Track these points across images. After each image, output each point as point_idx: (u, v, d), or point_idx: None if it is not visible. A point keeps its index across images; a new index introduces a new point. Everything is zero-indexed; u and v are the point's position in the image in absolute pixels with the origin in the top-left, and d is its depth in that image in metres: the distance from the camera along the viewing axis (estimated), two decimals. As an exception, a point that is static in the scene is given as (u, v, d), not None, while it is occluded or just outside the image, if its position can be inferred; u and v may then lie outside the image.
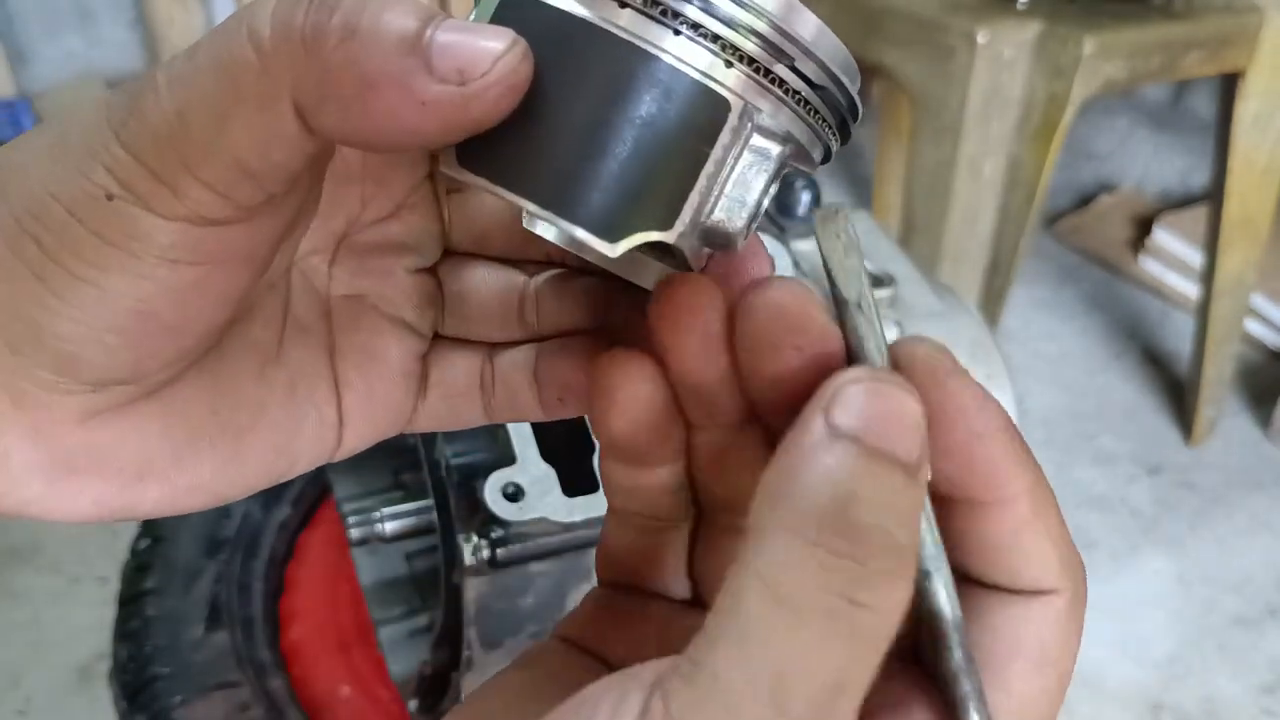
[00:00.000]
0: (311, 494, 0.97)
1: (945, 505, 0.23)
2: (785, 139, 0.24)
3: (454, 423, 0.31)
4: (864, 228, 0.91)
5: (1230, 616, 1.46)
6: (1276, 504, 1.64)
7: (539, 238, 0.29)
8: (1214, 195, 1.54)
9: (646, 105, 0.22)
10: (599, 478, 0.64)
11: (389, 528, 0.77)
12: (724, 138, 0.23)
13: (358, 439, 0.29)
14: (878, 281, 0.82)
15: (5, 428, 0.23)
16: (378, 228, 0.29)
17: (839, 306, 0.23)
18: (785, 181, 0.83)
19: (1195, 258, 1.90)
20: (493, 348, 0.31)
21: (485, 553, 0.62)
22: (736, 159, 0.23)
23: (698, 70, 0.22)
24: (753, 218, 0.25)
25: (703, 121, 0.22)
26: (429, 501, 0.71)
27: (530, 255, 0.31)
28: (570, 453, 0.65)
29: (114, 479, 0.25)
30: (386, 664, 0.83)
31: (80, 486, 0.24)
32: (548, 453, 0.65)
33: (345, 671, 0.85)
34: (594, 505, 0.63)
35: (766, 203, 0.25)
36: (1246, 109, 1.42)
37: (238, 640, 0.84)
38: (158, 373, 0.24)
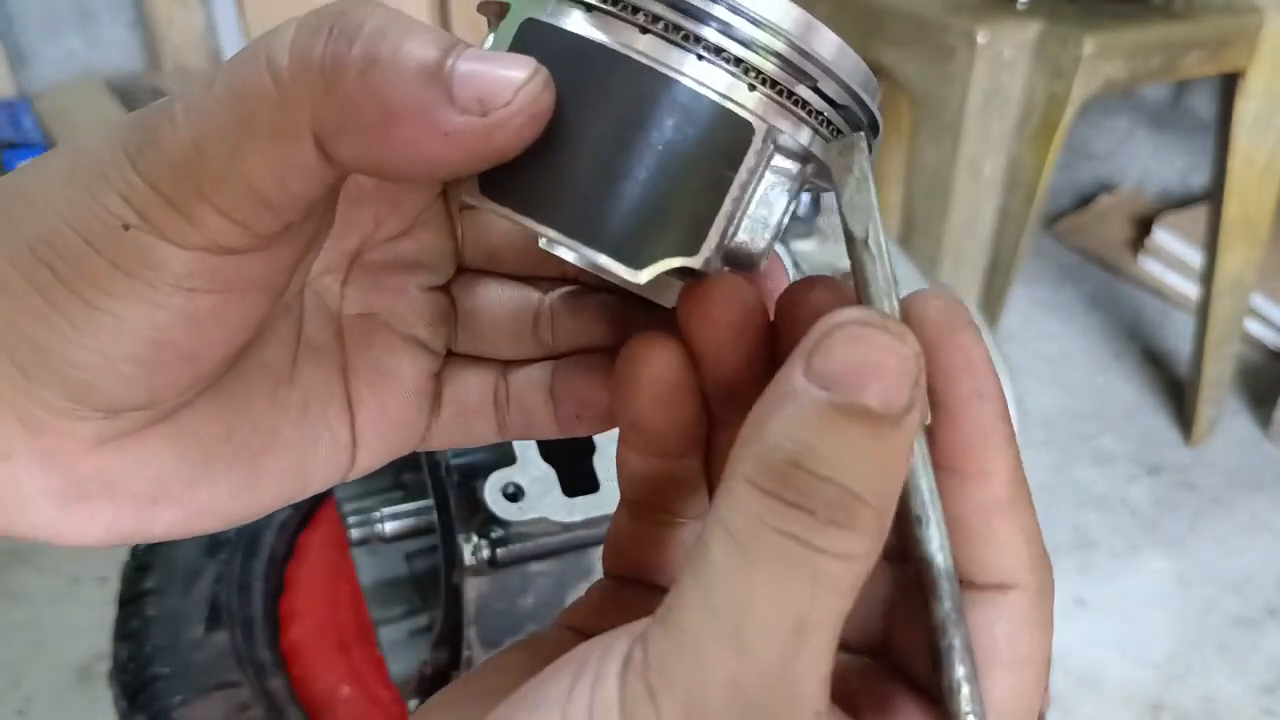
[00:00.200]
0: (311, 494, 0.97)
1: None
2: (807, 158, 0.24)
3: (467, 439, 0.31)
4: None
5: (1230, 616, 1.46)
6: (1276, 504, 1.64)
7: (553, 255, 0.29)
8: (1214, 195, 1.54)
9: (669, 130, 0.22)
10: (596, 476, 0.64)
11: (389, 528, 0.77)
12: (749, 161, 0.23)
13: (371, 458, 0.29)
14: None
15: (17, 453, 0.23)
16: (390, 246, 0.29)
17: (848, 244, 0.23)
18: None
19: (1195, 258, 1.90)
20: (506, 365, 0.30)
21: (485, 553, 0.62)
22: (759, 180, 0.23)
23: (720, 94, 0.22)
24: (775, 237, 0.24)
25: (726, 145, 0.22)
26: (429, 501, 0.71)
27: (544, 272, 0.30)
28: (570, 453, 0.65)
29: (127, 504, 0.25)
30: (386, 664, 0.83)
31: (93, 512, 0.24)
32: (548, 453, 0.65)
33: (345, 671, 0.85)
34: (594, 505, 0.63)
35: (787, 220, 0.25)
36: (1246, 109, 1.42)
37: (238, 640, 0.84)
38: (173, 399, 0.24)
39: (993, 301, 1.41)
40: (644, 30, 0.22)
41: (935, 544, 0.22)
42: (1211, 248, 1.57)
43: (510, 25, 0.23)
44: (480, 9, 0.25)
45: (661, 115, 0.22)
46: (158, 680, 0.80)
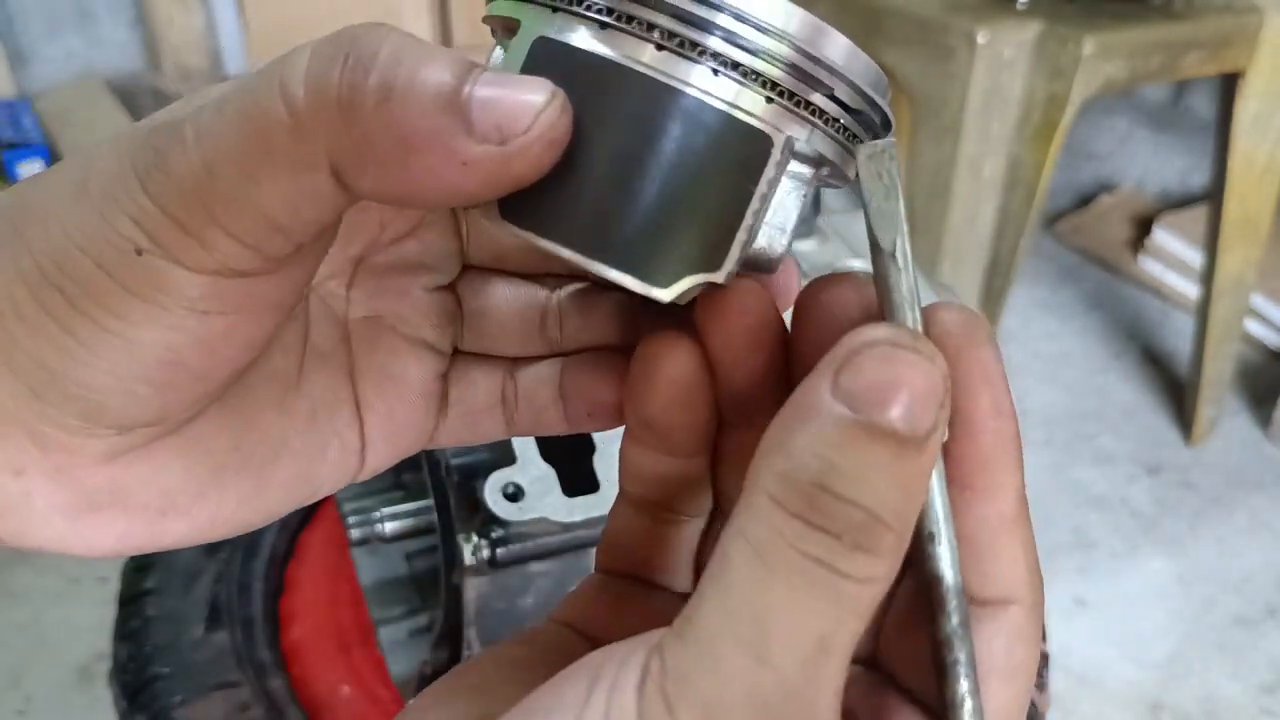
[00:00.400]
0: (311, 494, 0.97)
1: None
2: (820, 162, 0.24)
3: (475, 437, 0.30)
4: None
5: (1230, 616, 1.46)
6: (1276, 504, 1.64)
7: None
8: (1214, 195, 1.54)
9: (687, 147, 0.22)
10: (596, 476, 0.64)
11: (389, 528, 0.77)
12: (768, 172, 0.22)
13: (379, 460, 0.29)
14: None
15: (28, 470, 0.23)
16: (394, 248, 0.29)
17: (873, 254, 0.23)
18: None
19: (1195, 258, 1.90)
20: (513, 362, 0.30)
21: (485, 553, 0.62)
22: (777, 188, 0.23)
23: (736, 107, 0.22)
24: (791, 240, 0.24)
25: (745, 159, 0.22)
26: (429, 501, 0.71)
27: (551, 269, 0.30)
28: (570, 453, 0.65)
29: (137, 516, 0.25)
30: (386, 664, 0.83)
31: (104, 524, 0.24)
32: (548, 453, 0.65)
33: (345, 671, 0.85)
34: (594, 505, 0.63)
35: (800, 223, 0.25)
36: (1246, 109, 1.42)
37: (238, 640, 0.84)
38: (183, 414, 0.24)
39: (993, 301, 1.41)
40: (659, 46, 0.21)
41: (946, 561, 0.22)
42: (1211, 248, 1.57)
43: (522, 44, 0.22)
44: (487, 21, 0.24)
45: (679, 132, 0.22)
46: (158, 680, 0.80)
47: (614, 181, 0.22)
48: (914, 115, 1.34)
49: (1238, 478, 1.69)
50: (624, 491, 0.29)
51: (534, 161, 0.20)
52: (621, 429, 0.28)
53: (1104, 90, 1.26)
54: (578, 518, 0.62)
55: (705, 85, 0.21)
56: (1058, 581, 1.47)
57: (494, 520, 0.62)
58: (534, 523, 0.62)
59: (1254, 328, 1.95)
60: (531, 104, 0.20)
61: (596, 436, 0.64)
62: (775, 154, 0.22)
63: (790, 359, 0.26)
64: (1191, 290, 1.93)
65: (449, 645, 0.70)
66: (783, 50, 0.22)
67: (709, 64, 0.21)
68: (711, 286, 0.24)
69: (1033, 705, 0.80)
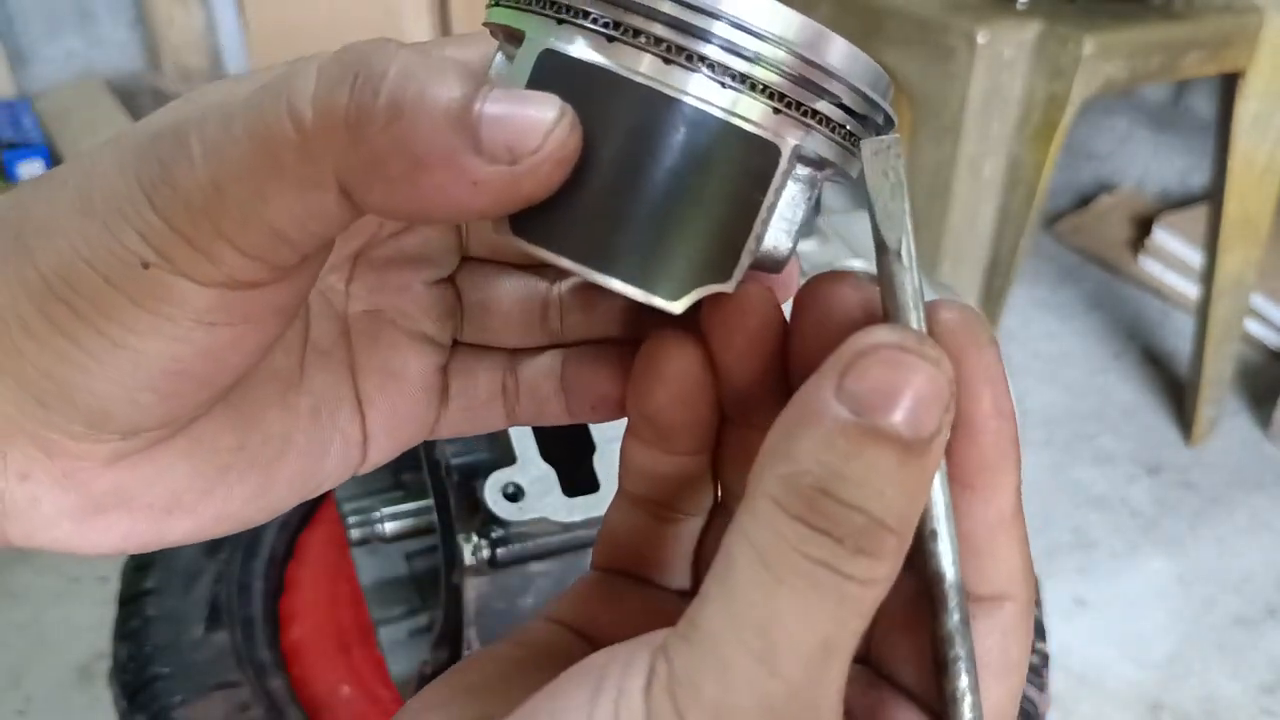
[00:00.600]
0: (311, 494, 0.97)
1: None
2: (824, 164, 0.24)
3: (476, 428, 0.31)
4: (867, 225, 0.91)
5: (1230, 616, 1.46)
6: (1276, 504, 1.64)
7: None
8: (1214, 195, 1.54)
9: (696, 159, 0.22)
10: (596, 476, 0.64)
11: (389, 528, 0.77)
12: (776, 181, 0.22)
13: (381, 454, 0.29)
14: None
15: (36, 475, 0.23)
16: (393, 242, 0.29)
17: (878, 252, 0.23)
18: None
19: (1195, 258, 1.90)
20: (514, 354, 0.30)
21: (485, 553, 0.62)
22: (781, 193, 0.23)
23: (746, 119, 0.22)
24: (797, 240, 0.25)
25: (754, 169, 0.22)
26: (429, 501, 0.71)
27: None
28: (570, 453, 0.65)
29: (143, 515, 0.25)
30: (386, 664, 0.83)
31: (109, 524, 0.24)
32: (548, 453, 0.64)
33: (345, 671, 0.85)
34: (594, 505, 0.63)
35: (804, 221, 0.25)
36: (1246, 109, 1.42)
37: (238, 640, 0.84)
38: (187, 418, 0.24)
39: (993, 301, 1.41)
40: (666, 60, 0.21)
41: (948, 559, 0.22)
42: (1211, 248, 1.57)
43: (527, 56, 0.22)
44: (487, 26, 0.24)
45: (687, 144, 0.21)
46: (158, 680, 0.80)
47: (623, 195, 0.22)
48: (914, 115, 1.34)
49: (1238, 478, 1.69)
50: (623, 489, 0.29)
51: (544, 180, 0.20)
52: (622, 428, 0.28)
53: (1104, 90, 1.26)
54: (578, 518, 0.62)
55: (711, 96, 0.21)
56: (1058, 581, 1.47)
57: (494, 520, 0.62)
58: (534, 523, 0.62)
59: (1254, 328, 1.95)
60: (542, 122, 0.20)
61: (596, 436, 0.64)
62: (782, 163, 0.22)
63: (789, 357, 0.26)
64: (1191, 290, 1.93)
65: (449, 645, 0.70)
66: (785, 58, 0.22)
67: (713, 74, 0.21)
68: (720, 294, 0.24)
69: (1033, 705, 0.80)
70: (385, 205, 0.20)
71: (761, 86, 0.22)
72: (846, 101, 0.23)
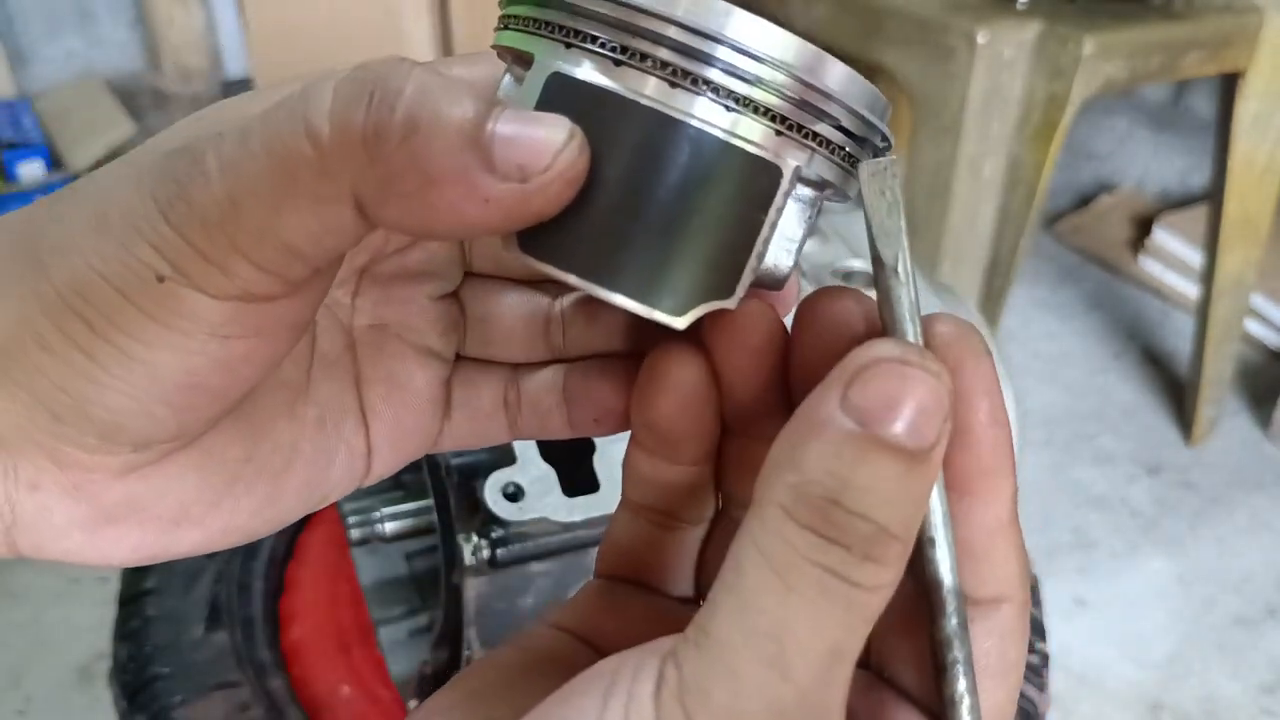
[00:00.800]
0: (311, 494, 0.97)
1: None
2: (824, 185, 0.25)
3: (479, 441, 0.31)
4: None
5: (1230, 616, 1.46)
6: (1276, 504, 1.64)
7: None
8: (1214, 195, 1.54)
9: (701, 180, 0.22)
10: (596, 476, 0.64)
11: (389, 528, 0.77)
12: (777, 201, 0.23)
13: (385, 466, 0.30)
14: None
15: (46, 486, 0.23)
16: (398, 257, 0.29)
17: (875, 268, 0.23)
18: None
19: (1195, 258, 1.90)
20: (516, 368, 0.31)
21: (485, 553, 0.62)
22: (782, 212, 0.24)
23: (748, 141, 0.22)
24: (797, 258, 0.25)
25: (756, 189, 0.23)
26: (429, 501, 0.71)
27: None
28: (570, 453, 0.65)
29: (152, 527, 0.25)
30: (386, 664, 0.83)
31: (119, 535, 0.25)
32: (548, 453, 0.65)
33: (345, 671, 0.85)
34: (594, 505, 0.63)
35: (805, 239, 0.26)
36: (1246, 109, 1.42)
37: (238, 640, 0.84)
38: (199, 431, 0.24)
39: (993, 301, 1.41)
40: (673, 85, 0.22)
41: (946, 565, 0.23)
42: (1211, 248, 1.57)
43: (537, 78, 0.23)
44: (496, 48, 0.25)
45: (691, 165, 0.22)
46: (158, 680, 0.80)
47: (628, 214, 0.22)
48: (914, 115, 1.34)
49: (1238, 478, 1.69)
50: (627, 498, 0.29)
51: (553, 198, 0.21)
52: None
53: (1104, 90, 1.26)
54: (578, 518, 0.62)
55: (714, 118, 0.22)
56: (1058, 581, 1.47)
57: (494, 520, 0.62)
58: (534, 523, 0.62)
59: (1254, 328, 1.95)
60: (552, 143, 0.20)
61: (597, 437, 0.64)
62: (784, 183, 0.23)
63: (791, 369, 0.26)
64: (1191, 290, 1.94)
65: (449, 645, 0.70)
66: (787, 81, 0.22)
67: (716, 98, 0.22)
68: (723, 310, 0.24)
69: (1033, 705, 0.80)
70: (400, 221, 0.21)
71: (764, 109, 0.22)
72: (845, 123, 0.24)
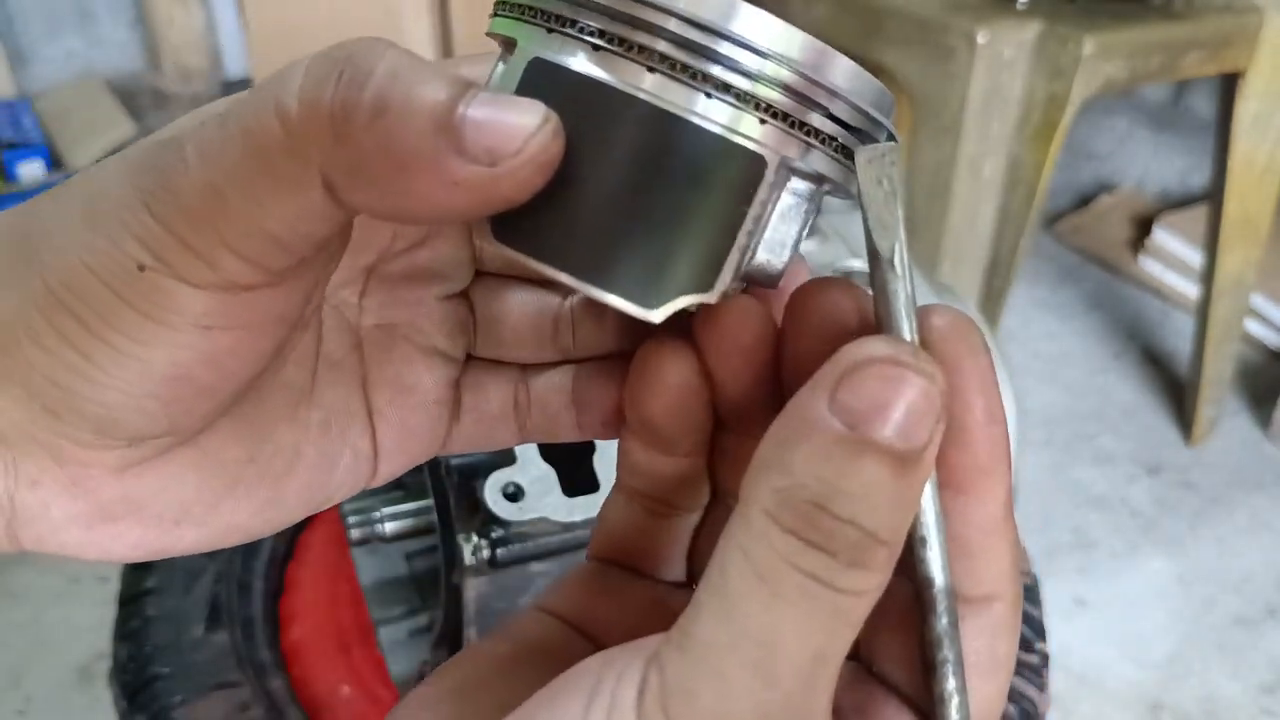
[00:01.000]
0: (311, 494, 0.97)
1: None
2: (821, 179, 0.24)
3: (488, 444, 0.31)
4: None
5: (1230, 616, 1.46)
6: (1276, 504, 1.64)
7: None
8: (1214, 195, 1.54)
9: (679, 169, 0.22)
10: (596, 476, 0.64)
11: (389, 528, 0.77)
12: (761, 194, 0.22)
13: (392, 468, 0.29)
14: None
15: (45, 482, 0.23)
16: (406, 256, 0.29)
17: (871, 261, 0.22)
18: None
19: (1195, 258, 1.90)
20: (525, 369, 0.30)
21: (485, 553, 0.62)
22: (774, 207, 0.23)
23: (728, 129, 0.22)
24: (794, 254, 0.24)
25: (738, 180, 0.22)
26: (429, 501, 0.71)
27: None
28: (570, 453, 0.65)
29: (152, 525, 0.25)
30: (386, 664, 0.83)
31: (118, 532, 0.25)
32: (548, 453, 0.65)
33: (345, 671, 0.85)
34: (594, 505, 0.63)
35: (805, 235, 0.25)
36: (1246, 109, 1.42)
37: (238, 640, 0.84)
38: (193, 426, 0.24)
39: (993, 301, 1.41)
40: (650, 69, 0.21)
41: (937, 564, 0.22)
42: (1211, 248, 1.57)
43: (518, 64, 0.22)
44: (490, 36, 0.24)
45: (670, 154, 0.22)
46: (158, 680, 0.80)
47: (603, 204, 0.22)
48: (914, 115, 1.34)
49: (1238, 478, 1.69)
50: (621, 483, 0.29)
51: (523, 183, 0.20)
52: None
53: (1104, 90, 1.26)
54: (578, 518, 0.62)
55: (697, 108, 0.21)
56: (1058, 581, 1.47)
57: (494, 520, 0.62)
58: (534, 523, 0.62)
59: (1254, 328, 1.95)
60: (524, 127, 0.20)
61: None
62: (769, 175, 0.22)
63: (783, 362, 0.26)
64: (1191, 290, 1.93)
65: (449, 645, 0.70)
66: (775, 71, 0.22)
67: (696, 83, 0.21)
68: (704, 305, 0.24)
69: (1033, 705, 0.80)
70: (368, 203, 0.20)
71: (748, 97, 0.22)
72: (841, 115, 0.23)
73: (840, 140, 0.23)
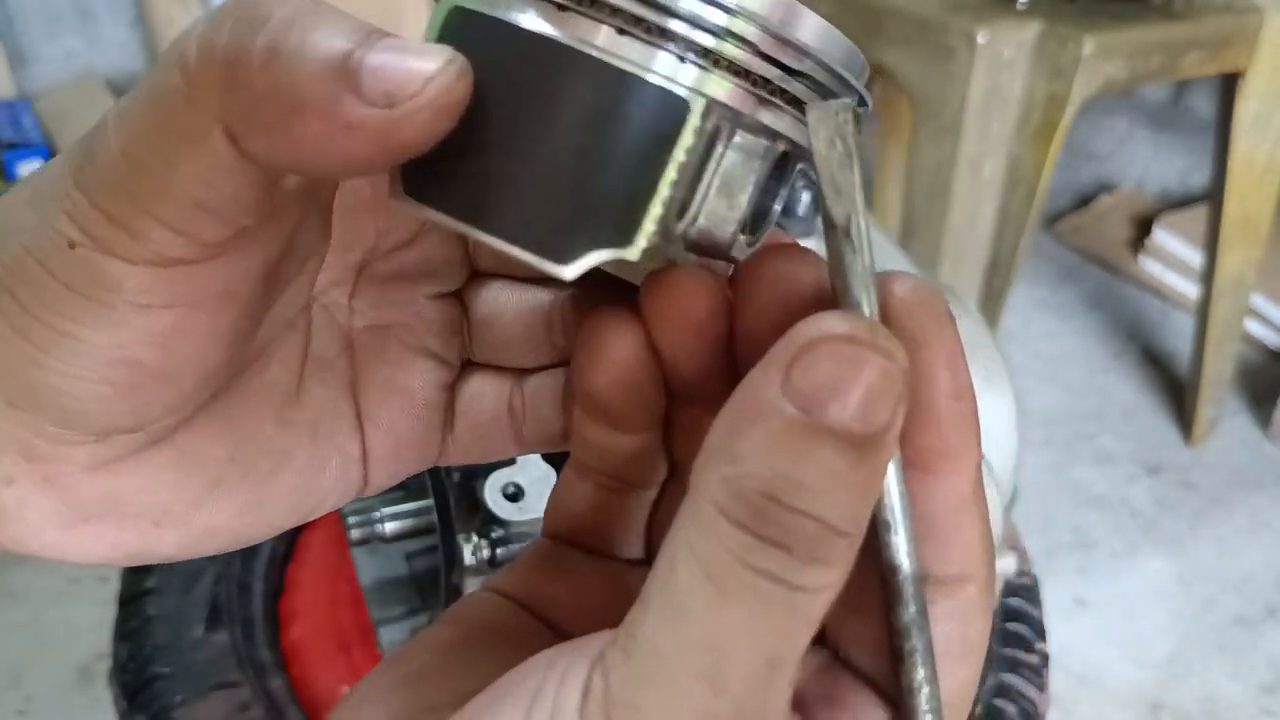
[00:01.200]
0: (311, 494, 0.97)
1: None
2: (775, 135, 0.22)
3: (485, 454, 0.30)
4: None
5: (1230, 616, 1.46)
6: (1276, 504, 1.64)
7: None
8: (1214, 195, 1.54)
9: (592, 113, 0.20)
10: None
11: (389, 528, 0.77)
12: (685, 140, 0.20)
13: (384, 476, 0.28)
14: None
15: (19, 479, 0.23)
16: (396, 256, 0.28)
17: (825, 229, 0.20)
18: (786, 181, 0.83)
19: (1195, 258, 1.90)
20: (521, 374, 0.29)
21: (485, 553, 0.62)
22: (717, 162, 0.22)
23: (641, 67, 0.20)
24: (744, 223, 0.23)
25: (655, 125, 0.20)
26: (429, 501, 0.71)
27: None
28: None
29: (130, 526, 0.24)
30: (386, 664, 0.82)
31: (96, 533, 0.24)
32: (547, 453, 0.65)
33: (345, 671, 0.85)
34: (594, 505, 0.63)
35: (775, 205, 0.23)
36: (1246, 109, 1.42)
37: (238, 640, 0.84)
38: (161, 419, 0.23)
39: (993, 301, 1.41)
40: (560, 8, 0.20)
41: (904, 551, 0.21)
42: (1211, 248, 1.57)
43: (438, 14, 0.21)
44: None
45: (583, 97, 0.20)
46: (158, 680, 0.80)
47: (512, 153, 0.20)
48: (914, 115, 1.34)
49: (1238, 478, 1.69)
50: (574, 459, 0.28)
51: (423, 127, 0.19)
52: None
53: (1104, 90, 1.27)
54: (578, 518, 0.62)
55: (610, 45, 0.20)
56: (1058, 581, 1.47)
57: (494, 520, 0.62)
58: (534, 523, 0.62)
59: (1254, 328, 1.95)
60: (423, 70, 0.19)
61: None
62: (694, 120, 0.20)
63: (735, 336, 0.24)
64: (1191, 290, 1.94)
65: (449, 645, 0.70)
66: (699, 8, 0.20)
67: (607, 19, 0.20)
68: (624, 263, 0.22)
69: (1033, 705, 0.80)
70: (268, 152, 0.19)
71: (668, 34, 0.20)
72: (790, 63, 0.21)
73: (793, 94, 0.21)
